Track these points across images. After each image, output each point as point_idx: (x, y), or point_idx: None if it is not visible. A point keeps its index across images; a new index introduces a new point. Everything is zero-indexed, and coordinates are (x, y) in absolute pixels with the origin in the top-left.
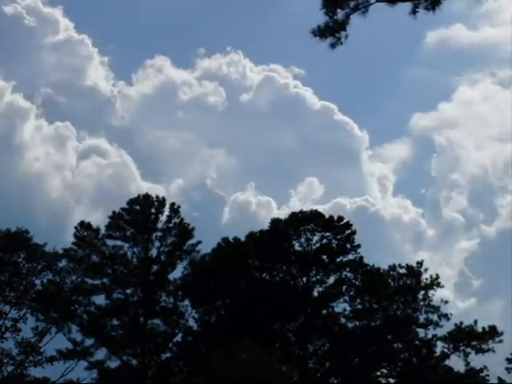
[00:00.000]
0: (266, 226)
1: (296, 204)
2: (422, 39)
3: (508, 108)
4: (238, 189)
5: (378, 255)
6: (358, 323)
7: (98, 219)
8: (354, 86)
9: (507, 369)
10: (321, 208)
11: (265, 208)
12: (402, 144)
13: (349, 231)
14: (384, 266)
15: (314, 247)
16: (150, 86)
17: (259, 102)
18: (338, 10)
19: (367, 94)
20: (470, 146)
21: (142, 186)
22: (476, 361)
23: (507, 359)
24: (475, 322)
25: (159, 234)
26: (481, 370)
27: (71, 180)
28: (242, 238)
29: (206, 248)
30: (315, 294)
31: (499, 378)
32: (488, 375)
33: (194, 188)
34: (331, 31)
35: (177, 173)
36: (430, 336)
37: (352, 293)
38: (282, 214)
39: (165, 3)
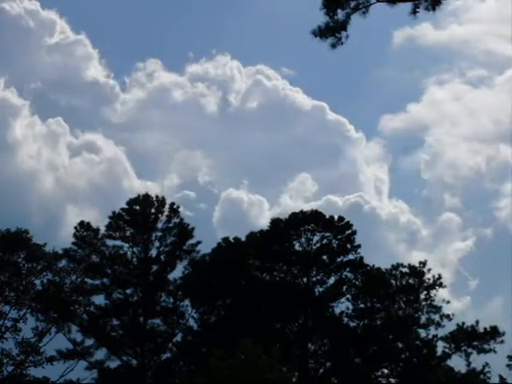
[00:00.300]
0: (257, 223)
1: (287, 202)
2: (391, 39)
3: (479, 107)
4: (230, 187)
5: (369, 254)
6: (359, 323)
7: (91, 216)
8: (325, 87)
9: (508, 365)
10: (313, 205)
11: (257, 206)
12: (373, 145)
13: (349, 231)
14: (375, 264)
15: (314, 247)
16: (143, 88)
17: (250, 102)
18: (339, 10)
19: (336, 95)
20: (446, 146)
21: (135, 184)
22: (477, 361)
23: (508, 356)
24: (477, 322)
25: (159, 234)
26: (482, 368)
27: (65, 177)
28: (234, 236)
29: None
30: (315, 294)
31: (500, 377)
32: (489, 371)
33: (187, 186)
34: (332, 31)
35: (169, 171)
36: (431, 336)
37: (353, 293)
38: (275, 212)
39: (145, 6)
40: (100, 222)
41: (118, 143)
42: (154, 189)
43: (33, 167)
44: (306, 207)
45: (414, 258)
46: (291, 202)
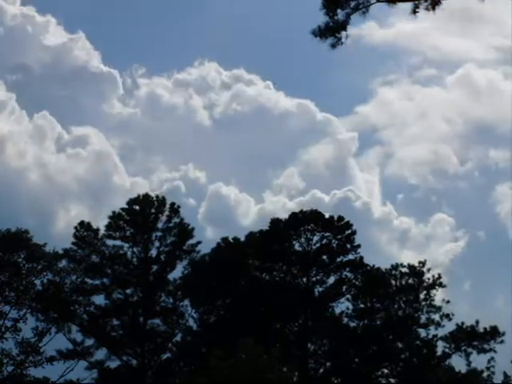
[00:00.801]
0: (243, 220)
1: (273, 198)
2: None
3: (428, 106)
4: (217, 185)
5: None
6: (359, 323)
7: (81, 212)
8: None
9: None
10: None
11: (242, 203)
12: (324, 145)
13: (349, 231)
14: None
15: (314, 247)
16: (130, 92)
17: (235, 105)
18: (339, 10)
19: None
20: (399, 146)
21: (125, 180)
22: (477, 361)
23: None
24: (476, 322)
25: (159, 233)
26: (488, 362)
27: (53, 173)
28: (220, 232)
29: None
30: (315, 294)
31: (505, 373)
32: (494, 366)
33: (174, 181)
34: (331, 31)
35: (158, 169)
36: (431, 336)
37: (352, 293)
38: (261, 208)
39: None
40: (90, 217)
41: (108, 139)
42: (143, 184)
43: (21, 163)
44: (291, 204)
45: (398, 252)
46: (277, 198)
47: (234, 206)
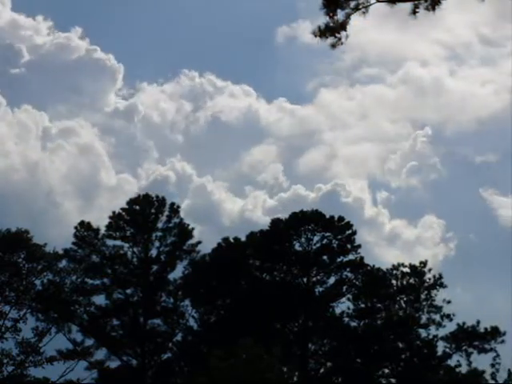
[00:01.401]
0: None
1: (256, 193)
2: (273, 37)
3: (370, 105)
4: (203, 182)
5: None
6: (359, 323)
7: (73, 208)
8: None
9: None
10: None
11: (226, 201)
12: (267, 146)
13: (349, 231)
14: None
15: (314, 247)
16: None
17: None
18: (339, 10)
19: None
20: (342, 146)
21: (111, 177)
22: (478, 360)
23: None
24: (478, 322)
25: (159, 233)
26: (493, 359)
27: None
28: (205, 228)
29: None
30: (316, 294)
31: (509, 371)
32: (499, 363)
33: (161, 178)
34: (331, 31)
35: (147, 166)
36: (431, 336)
37: (353, 293)
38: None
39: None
40: (80, 214)
41: (98, 133)
42: (130, 180)
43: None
44: (272, 202)
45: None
46: (260, 194)
47: (217, 203)
